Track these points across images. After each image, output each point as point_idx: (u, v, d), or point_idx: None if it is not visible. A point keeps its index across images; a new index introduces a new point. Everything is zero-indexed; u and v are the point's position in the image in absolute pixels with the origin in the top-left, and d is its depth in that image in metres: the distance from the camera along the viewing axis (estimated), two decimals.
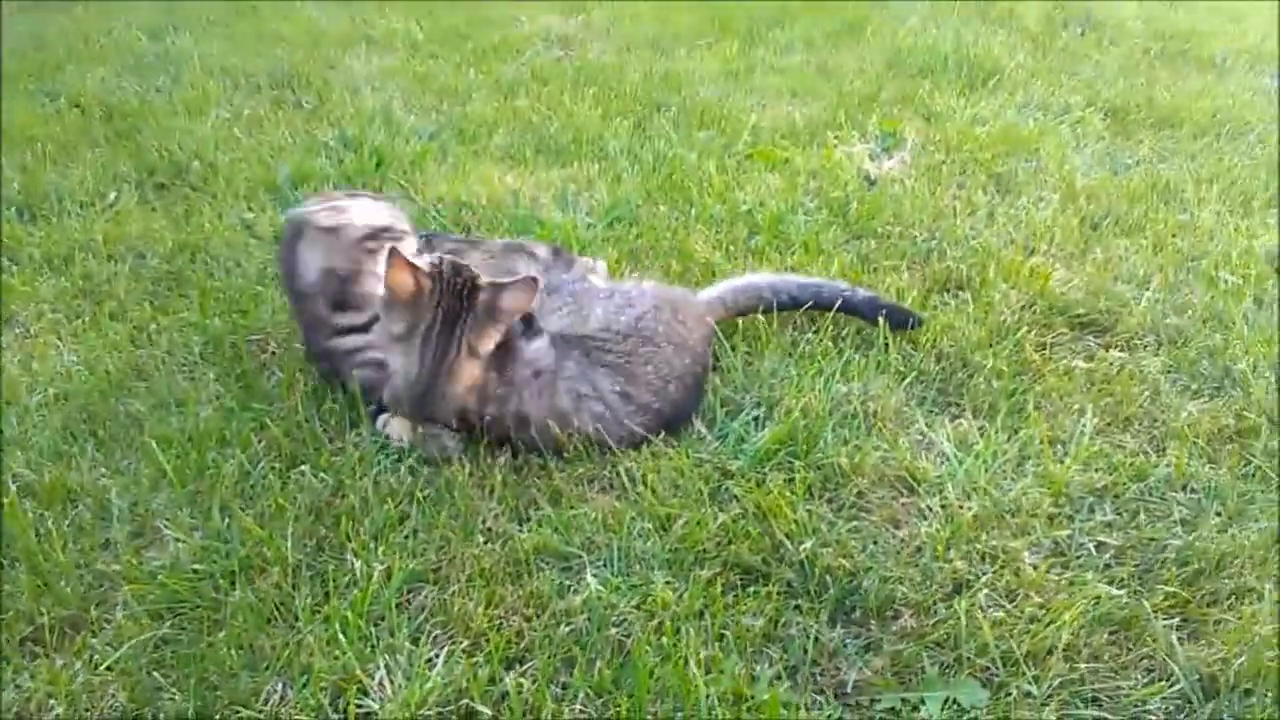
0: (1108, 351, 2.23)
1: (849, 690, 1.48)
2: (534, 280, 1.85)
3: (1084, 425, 1.97)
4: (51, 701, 1.47)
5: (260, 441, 1.92)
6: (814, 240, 2.69)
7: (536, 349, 1.94)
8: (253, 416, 1.98)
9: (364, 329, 2.00)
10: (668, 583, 1.62)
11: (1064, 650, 1.49)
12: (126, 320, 2.34)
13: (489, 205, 2.93)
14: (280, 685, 1.46)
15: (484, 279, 1.84)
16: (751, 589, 1.62)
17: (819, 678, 1.50)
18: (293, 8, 5.08)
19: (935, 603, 1.59)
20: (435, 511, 1.76)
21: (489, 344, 1.84)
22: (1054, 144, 3.40)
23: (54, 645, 1.55)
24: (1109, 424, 2.00)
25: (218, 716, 1.42)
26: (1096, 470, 1.86)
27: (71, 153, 3.32)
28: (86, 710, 1.45)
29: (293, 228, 2.09)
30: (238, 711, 1.42)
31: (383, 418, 1.98)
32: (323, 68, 4.14)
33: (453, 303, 1.82)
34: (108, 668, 1.50)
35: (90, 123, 3.57)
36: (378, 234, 2.03)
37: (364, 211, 2.08)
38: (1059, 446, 1.94)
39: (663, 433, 1.95)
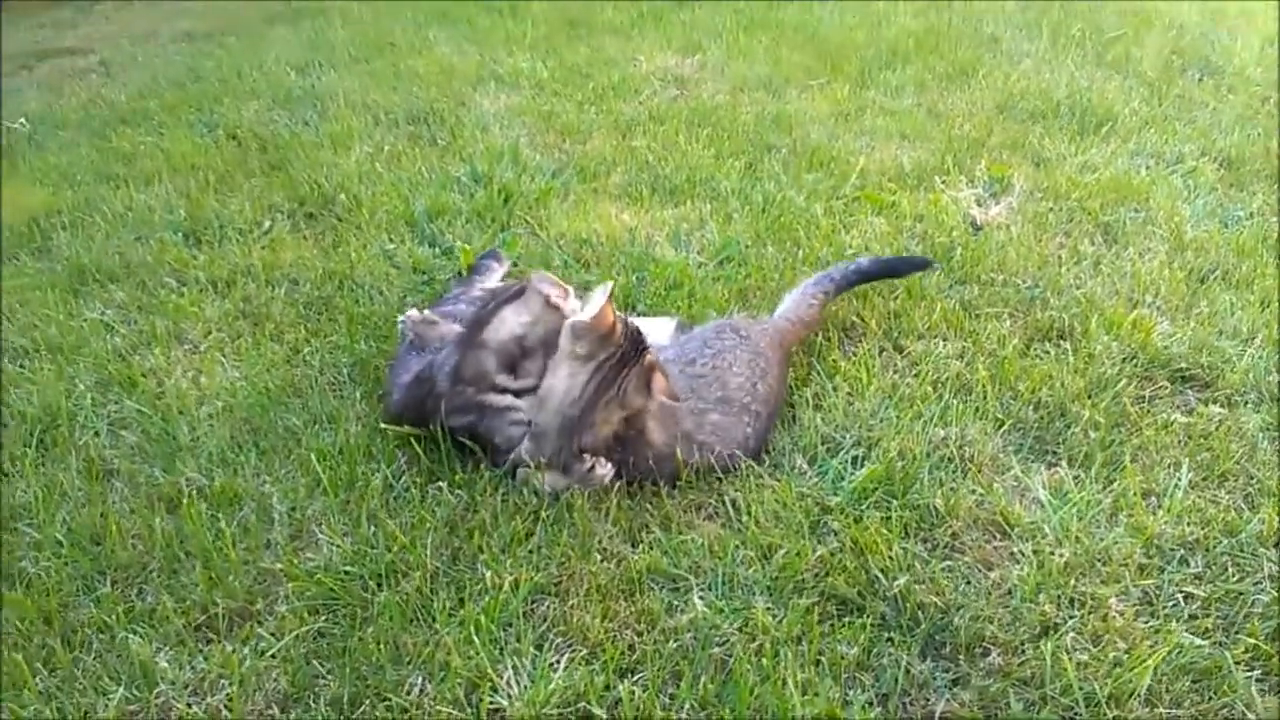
0: (1207, 407, 2.28)
1: None
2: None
3: (1179, 479, 2.03)
4: (223, 681, 1.68)
5: (403, 458, 2.13)
6: (916, 285, 2.79)
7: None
8: (395, 435, 2.19)
9: (518, 394, 2.09)
10: (768, 609, 1.76)
11: (1145, 695, 1.57)
12: (283, 342, 2.60)
13: (607, 243, 3.11)
14: (420, 679, 1.65)
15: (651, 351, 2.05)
16: (847, 619, 1.74)
17: (908, 706, 1.61)
18: (427, 46, 5.39)
19: (1023, 643, 1.68)
20: (557, 530, 1.93)
21: (636, 402, 2.00)
22: (1165, 194, 3.42)
23: (224, 632, 1.77)
24: (1204, 479, 2.06)
25: (367, 703, 1.61)
26: (1189, 524, 1.92)
27: (229, 182, 3.64)
28: (254, 690, 1.66)
29: (517, 288, 2.19)
30: (386, 700, 1.61)
31: (524, 473, 2.06)
32: (454, 105, 4.41)
33: (630, 352, 1.99)
34: (272, 655, 1.71)
35: (246, 153, 3.90)
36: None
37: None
38: (1153, 499, 2.01)
39: (763, 442, 2.14)
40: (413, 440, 2.14)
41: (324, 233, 3.23)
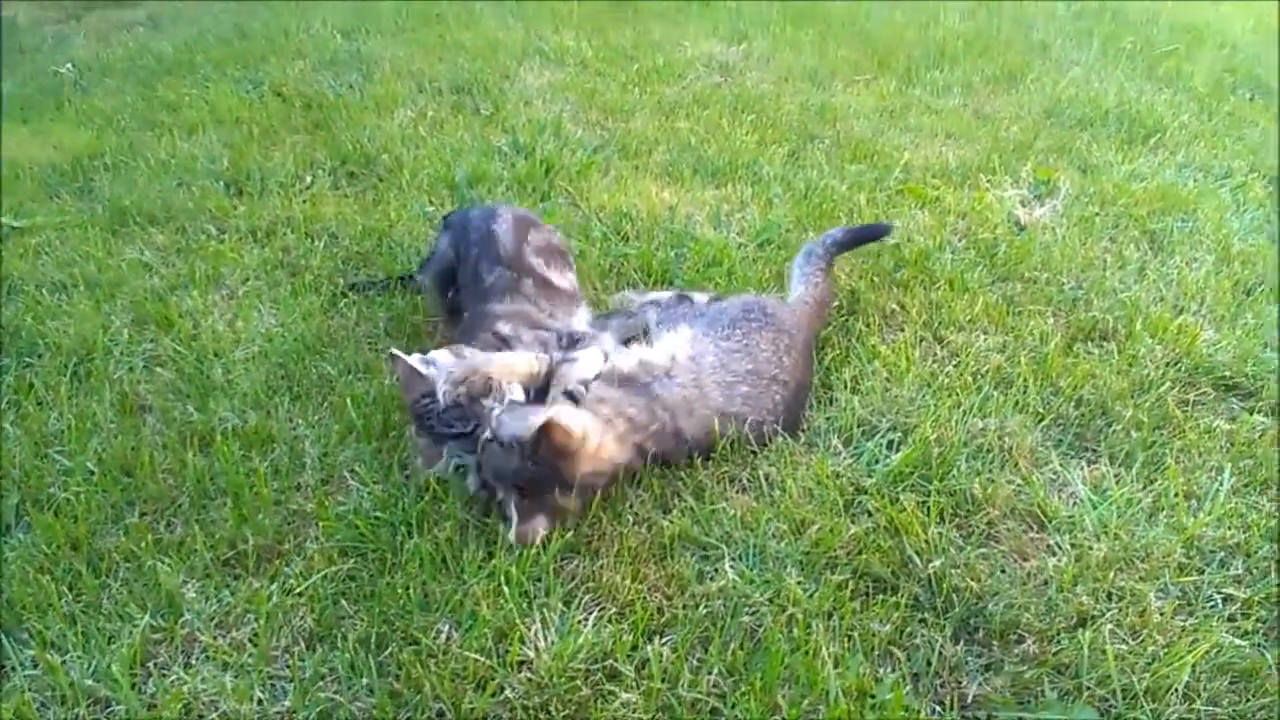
0: (1251, 415, 2.23)
1: (969, 703, 1.56)
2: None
3: (1221, 483, 2.00)
4: (249, 615, 1.67)
5: None
6: (959, 278, 2.76)
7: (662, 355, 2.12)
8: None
9: None
10: (799, 582, 1.73)
11: (1183, 690, 1.54)
12: (320, 292, 2.59)
13: (647, 218, 3.09)
14: (448, 626, 1.63)
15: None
16: (879, 597, 1.71)
17: (939, 688, 1.59)
18: (474, 19, 5.39)
19: (1058, 632, 1.65)
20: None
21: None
22: (1212, 206, 3.36)
23: (252, 569, 1.77)
24: (1246, 485, 2.02)
25: (394, 645, 1.60)
26: (1230, 527, 1.88)
27: (272, 136, 3.65)
28: (280, 626, 1.65)
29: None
30: (414, 643, 1.59)
31: None
32: (499, 77, 4.40)
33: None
34: (299, 593, 1.70)
35: (290, 111, 3.91)
36: None
37: None
38: (1194, 501, 1.97)
39: (795, 414, 2.13)
40: None
41: (364, 191, 3.23)
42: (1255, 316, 2.65)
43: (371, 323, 2.46)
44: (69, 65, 4.57)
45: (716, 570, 1.76)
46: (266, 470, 1.96)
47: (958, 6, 5.92)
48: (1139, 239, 3.14)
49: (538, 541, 1.78)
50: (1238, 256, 3.00)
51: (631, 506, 1.90)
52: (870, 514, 1.90)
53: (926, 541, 1.81)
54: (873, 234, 2.85)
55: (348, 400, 2.11)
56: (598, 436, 1.88)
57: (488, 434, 1.86)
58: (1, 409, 2.17)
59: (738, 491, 1.97)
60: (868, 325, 2.52)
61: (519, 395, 1.99)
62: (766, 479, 1.98)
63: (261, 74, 4.38)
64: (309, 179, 3.28)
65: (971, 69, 4.87)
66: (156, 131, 3.68)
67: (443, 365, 2.00)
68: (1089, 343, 2.52)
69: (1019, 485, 1.98)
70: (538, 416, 1.81)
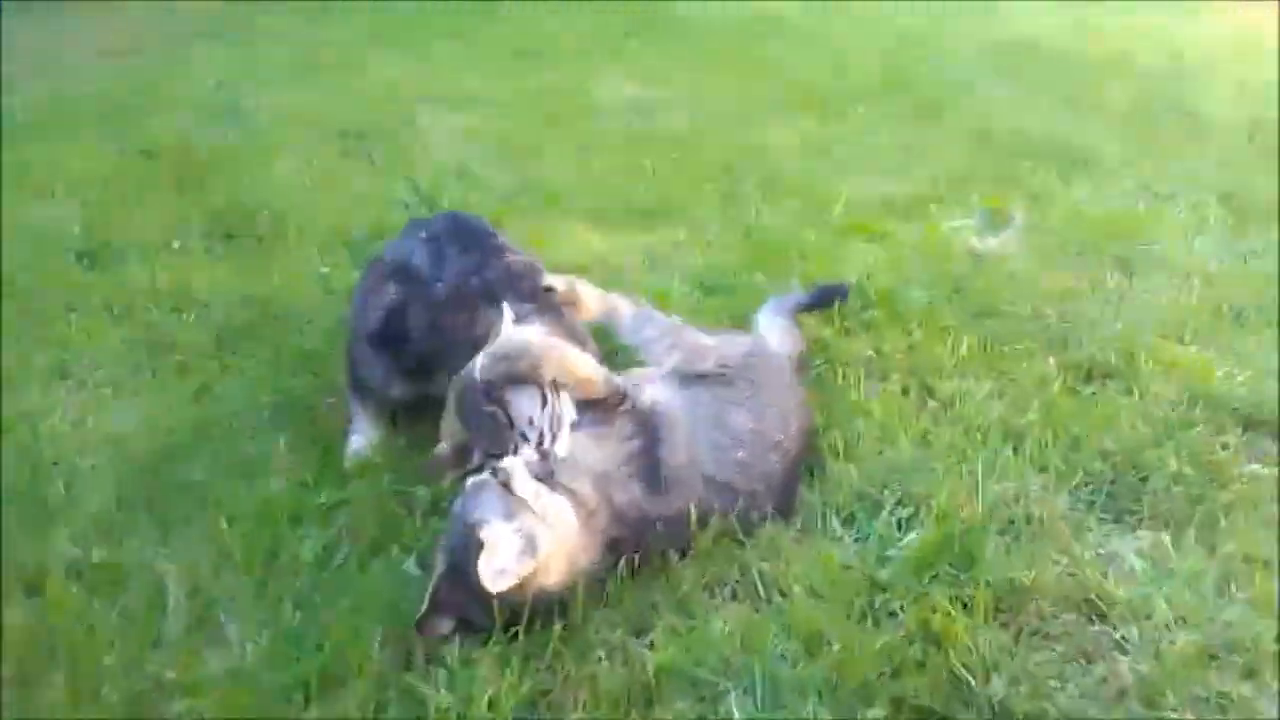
0: None
1: None
2: None
3: None
4: None
5: (341, 519, 1.69)
6: (931, 316, 2.47)
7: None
8: (330, 492, 1.75)
9: None
10: None
11: None
12: (189, 376, 2.15)
13: (575, 267, 2.72)
14: None
15: None
16: None
17: None
18: (364, 65, 5.01)
19: None
20: (543, 617, 1.49)
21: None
22: (1173, 228, 3.16)
23: None
24: None
25: None
26: None
27: (137, 199, 3.19)
28: None
29: None
30: None
31: None
32: (395, 123, 4.03)
33: None
34: None
35: (158, 169, 3.46)
36: None
37: None
38: (1266, 565, 1.65)
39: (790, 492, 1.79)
40: (355, 498, 1.70)
41: (243, 254, 2.81)
42: (1258, 344, 2.40)
43: (255, 410, 2.02)
44: None
45: (720, 714, 1.36)
46: (115, 621, 1.49)
47: (871, 46, 5.74)
48: (1109, 264, 2.90)
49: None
50: (1217, 279, 2.78)
51: (599, 633, 1.49)
52: (895, 615, 1.53)
53: (972, 649, 1.45)
54: (833, 295, 2.52)
55: (222, 518, 1.65)
56: (548, 558, 1.48)
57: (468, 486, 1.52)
58: None
59: (729, 599, 1.59)
60: (845, 377, 2.18)
61: (570, 413, 1.64)
62: (761, 578, 1.61)
63: (125, 131, 3.90)
64: (177, 244, 2.83)
65: (892, 103, 4.67)
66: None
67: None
68: (1091, 382, 2.23)
69: (1064, 565, 1.64)
70: (486, 528, 1.41)
